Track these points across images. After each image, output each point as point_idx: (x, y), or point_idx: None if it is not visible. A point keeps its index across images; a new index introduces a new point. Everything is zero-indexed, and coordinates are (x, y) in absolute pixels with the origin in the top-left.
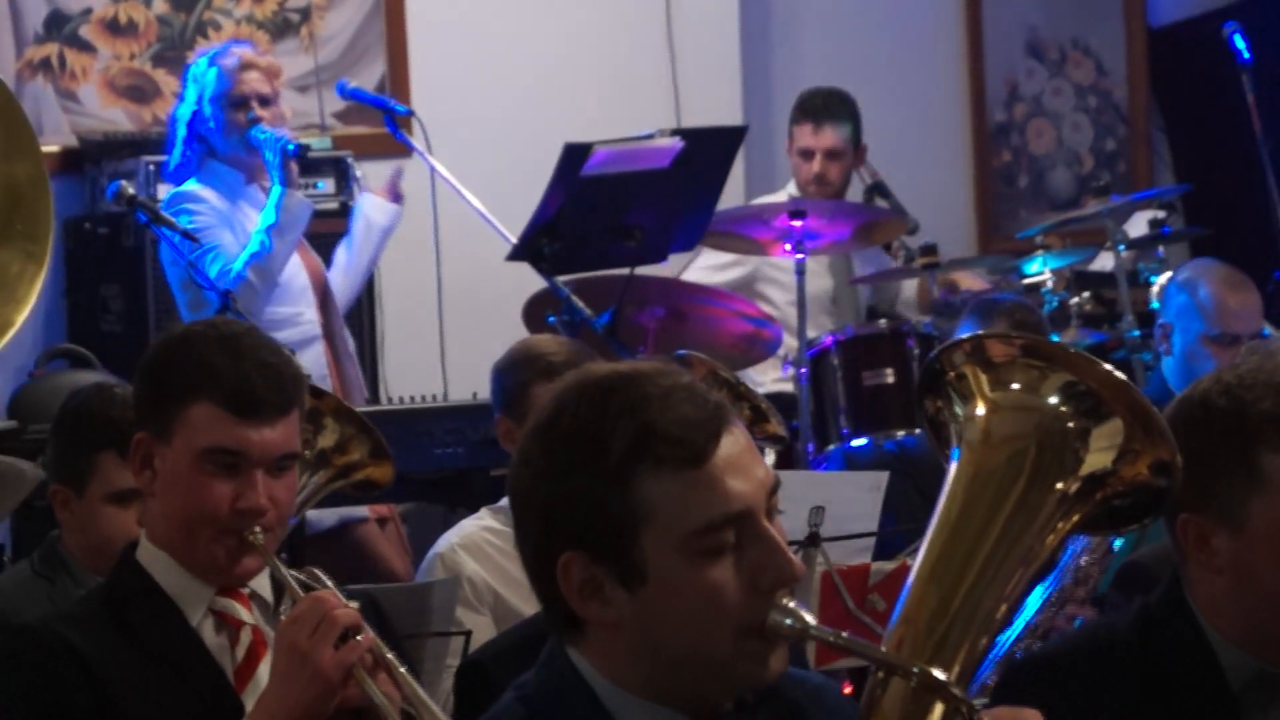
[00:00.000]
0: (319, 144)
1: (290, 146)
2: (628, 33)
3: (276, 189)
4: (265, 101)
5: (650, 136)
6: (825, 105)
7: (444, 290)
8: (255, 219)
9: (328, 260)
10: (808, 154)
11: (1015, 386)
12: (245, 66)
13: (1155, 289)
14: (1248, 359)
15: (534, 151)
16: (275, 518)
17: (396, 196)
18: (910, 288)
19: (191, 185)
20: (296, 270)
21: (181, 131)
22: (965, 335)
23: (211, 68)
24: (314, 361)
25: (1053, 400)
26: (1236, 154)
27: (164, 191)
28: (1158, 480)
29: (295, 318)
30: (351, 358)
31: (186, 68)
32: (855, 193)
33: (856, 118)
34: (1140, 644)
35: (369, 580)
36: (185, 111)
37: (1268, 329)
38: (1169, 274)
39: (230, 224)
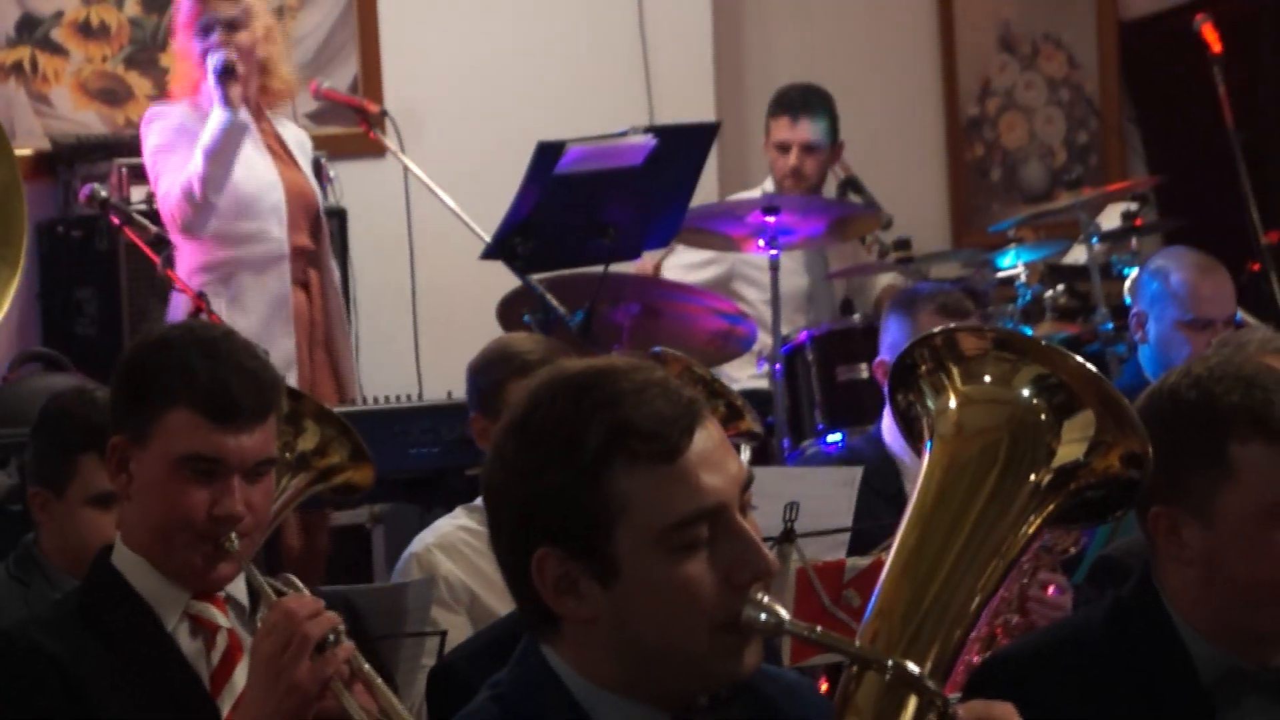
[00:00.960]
0: None
1: (216, 65)
2: (600, 30)
3: (215, 110)
4: (233, 26)
5: (623, 134)
6: (803, 99)
7: (418, 289)
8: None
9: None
10: (784, 147)
11: (987, 379)
12: None
13: (1127, 284)
14: (1218, 350)
15: (507, 150)
16: (252, 523)
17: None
18: (879, 286)
19: (161, 105)
20: (268, 188)
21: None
22: (936, 329)
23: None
24: (277, 281)
25: (1025, 393)
26: (1208, 146)
27: (137, 194)
28: (1129, 472)
29: (259, 234)
30: (336, 291)
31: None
32: (829, 188)
33: (834, 114)
34: (1112, 638)
35: None
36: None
37: (1240, 315)
38: (1137, 268)
39: (194, 141)
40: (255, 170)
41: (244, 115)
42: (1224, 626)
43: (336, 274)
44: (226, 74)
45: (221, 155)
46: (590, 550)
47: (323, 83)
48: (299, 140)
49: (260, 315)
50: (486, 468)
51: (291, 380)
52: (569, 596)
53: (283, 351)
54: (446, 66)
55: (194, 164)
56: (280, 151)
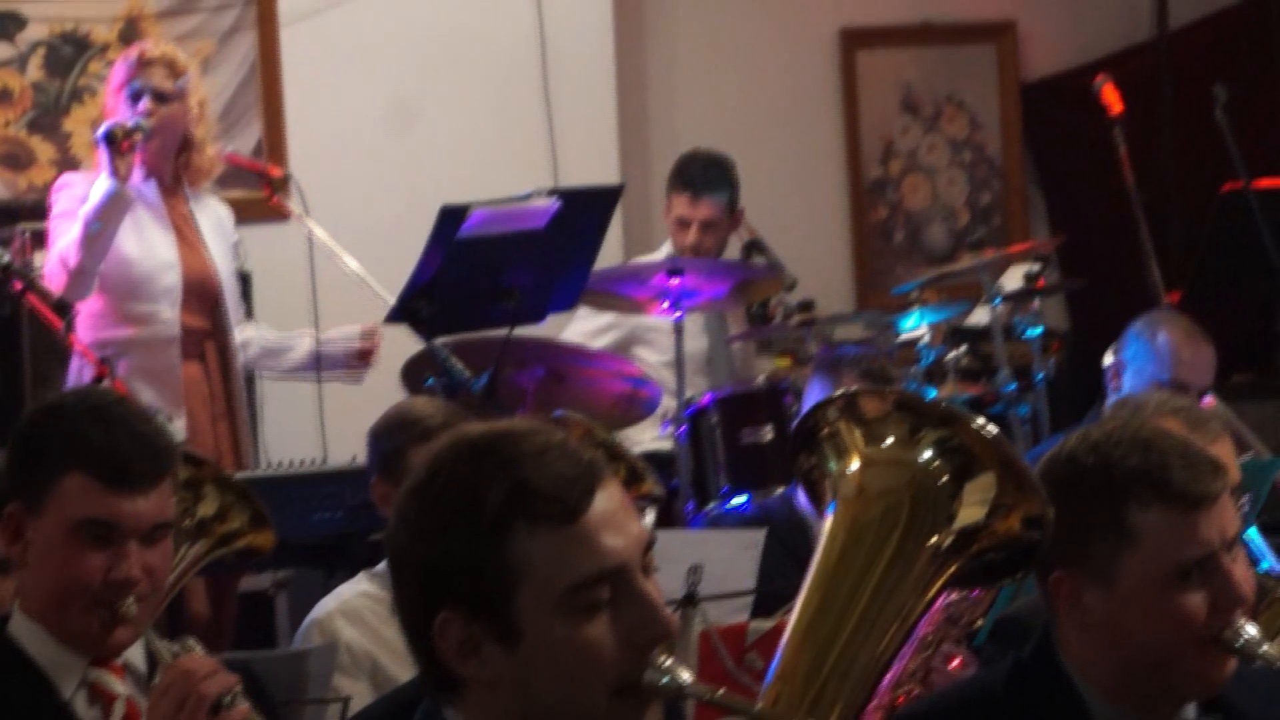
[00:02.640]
0: None
1: (101, 132)
2: (505, 92)
3: (101, 178)
4: (162, 97)
5: (527, 197)
6: (703, 175)
7: None
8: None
9: None
10: (685, 223)
11: (889, 442)
12: (144, 61)
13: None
14: (1116, 413)
15: (411, 213)
16: (149, 588)
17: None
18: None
19: (72, 174)
20: (164, 269)
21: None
22: (838, 392)
23: (120, 60)
24: (166, 360)
25: (926, 455)
26: (1110, 206)
27: (40, 259)
28: (1030, 534)
29: (150, 316)
30: (236, 361)
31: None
32: (732, 250)
33: (734, 184)
34: (1013, 698)
35: None
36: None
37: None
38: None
39: None
40: (154, 250)
41: (145, 187)
42: (1124, 687)
43: (237, 346)
44: (110, 141)
45: (100, 224)
46: (492, 612)
47: (225, 147)
48: (219, 219)
49: (148, 396)
50: (389, 531)
51: None
52: (471, 659)
53: (174, 430)
54: (350, 130)
55: (73, 232)
56: (187, 231)
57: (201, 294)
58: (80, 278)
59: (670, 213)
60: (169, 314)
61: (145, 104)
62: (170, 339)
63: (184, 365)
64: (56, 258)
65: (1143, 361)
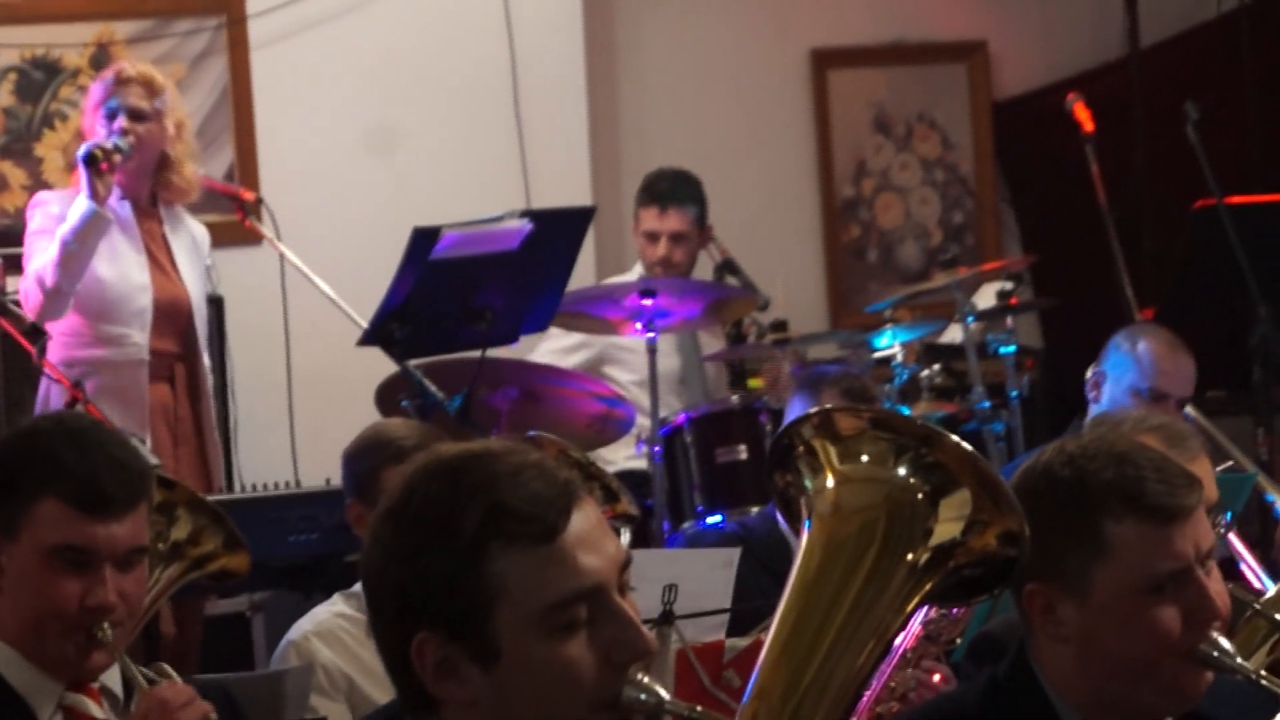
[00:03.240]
0: None
1: (82, 151)
2: (476, 115)
3: (79, 200)
4: (139, 116)
5: (499, 219)
6: (670, 189)
7: (295, 376)
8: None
9: None
10: (653, 237)
11: (864, 459)
12: (121, 81)
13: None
14: (1093, 429)
15: (384, 236)
16: (125, 612)
17: None
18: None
19: (47, 192)
20: (136, 292)
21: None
22: (813, 410)
23: (96, 81)
24: (134, 382)
25: (901, 472)
26: (1082, 224)
27: (14, 284)
28: (1006, 550)
29: (120, 338)
30: (205, 384)
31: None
32: (705, 270)
33: (702, 199)
34: (988, 714)
35: None
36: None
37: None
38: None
39: None
40: (127, 272)
41: (120, 208)
42: (1099, 702)
43: (207, 368)
44: (90, 162)
45: (78, 245)
46: (470, 633)
47: (197, 170)
48: (194, 242)
49: (114, 416)
50: (365, 553)
51: None
52: (449, 680)
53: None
54: (322, 152)
55: (50, 251)
56: (160, 254)
57: (173, 317)
58: (56, 298)
59: (639, 228)
60: (139, 337)
61: (121, 122)
62: (139, 361)
63: (152, 387)
64: (33, 277)
65: (1122, 370)
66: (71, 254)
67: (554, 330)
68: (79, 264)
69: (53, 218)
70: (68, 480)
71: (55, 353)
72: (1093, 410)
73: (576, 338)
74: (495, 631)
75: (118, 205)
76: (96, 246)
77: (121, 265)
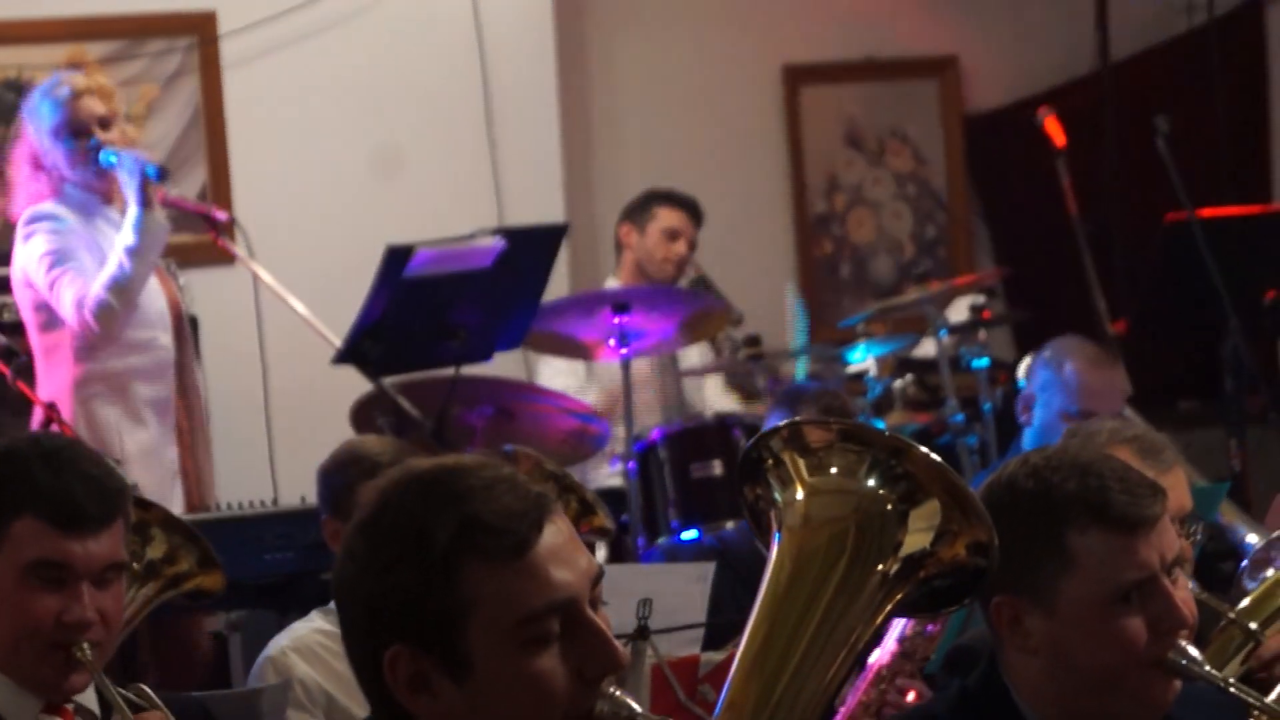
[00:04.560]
0: None
1: (150, 170)
2: (448, 133)
3: (135, 210)
4: (105, 124)
5: (471, 236)
6: (685, 197)
7: (271, 395)
8: (113, 240)
9: None
10: (675, 235)
11: (833, 470)
12: (78, 94)
13: (1021, 367)
14: (1068, 440)
15: (357, 254)
16: (103, 630)
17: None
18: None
19: (49, 206)
20: (155, 294)
21: (24, 170)
22: (782, 423)
23: (44, 101)
24: (165, 390)
25: (871, 483)
26: (1054, 238)
27: None
28: (976, 560)
29: (150, 342)
30: (200, 397)
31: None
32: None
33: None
34: None
35: None
36: (23, 151)
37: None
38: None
39: (89, 245)
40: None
41: (162, 217)
42: (1069, 713)
43: (200, 379)
44: (164, 178)
45: (148, 256)
46: (442, 647)
47: (169, 191)
48: None
49: (154, 427)
50: (337, 567)
51: (179, 491)
52: (422, 694)
53: (168, 462)
54: (295, 172)
55: (114, 267)
56: None
57: (177, 319)
58: (130, 311)
59: (654, 227)
60: (164, 339)
61: (97, 134)
62: (168, 364)
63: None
64: (104, 294)
65: (1050, 394)
66: (144, 264)
67: (561, 364)
68: (148, 275)
69: (73, 234)
70: (43, 498)
71: (81, 367)
72: (1026, 434)
73: (582, 371)
74: (468, 645)
75: (110, 210)
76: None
77: None
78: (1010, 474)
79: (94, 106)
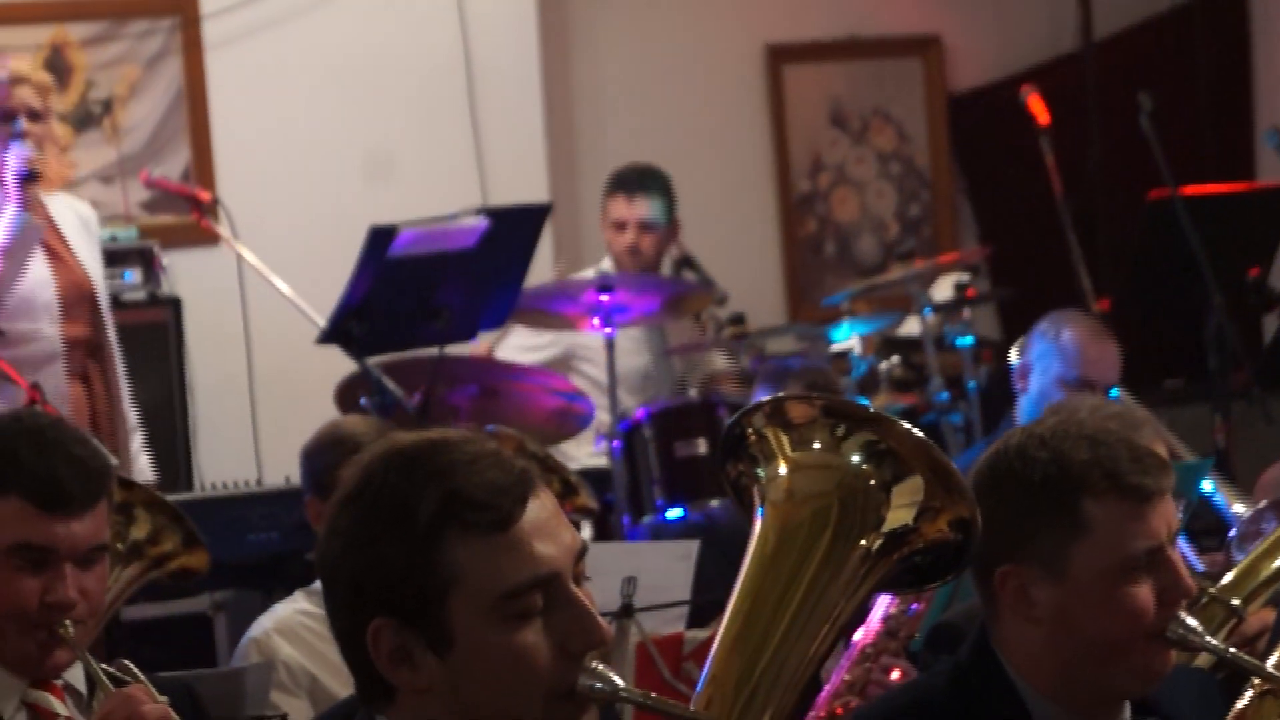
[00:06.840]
0: (124, 234)
1: (19, 169)
2: (431, 113)
3: (13, 210)
4: (35, 116)
5: (455, 216)
6: (639, 178)
7: (255, 375)
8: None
9: None
10: (621, 225)
11: (816, 446)
12: (15, 79)
13: (1013, 351)
14: (1047, 419)
15: (341, 234)
16: (86, 610)
17: None
18: (714, 364)
19: None
20: (41, 286)
21: None
22: (764, 399)
23: None
24: (52, 380)
25: (854, 459)
26: (1038, 215)
27: None
28: (957, 536)
29: (32, 334)
30: (118, 381)
31: None
32: (663, 266)
33: (670, 193)
34: (955, 700)
35: None
36: None
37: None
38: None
39: None
40: (30, 268)
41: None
42: (1067, 686)
43: (118, 361)
44: (33, 179)
45: (17, 256)
46: (425, 620)
47: (153, 171)
48: (81, 220)
49: None
50: (321, 541)
51: None
52: (404, 667)
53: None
54: (278, 152)
55: None
56: (55, 241)
57: (80, 303)
58: None
59: (606, 219)
60: (49, 330)
61: (22, 125)
62: (53, 354)
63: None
64: None
65: (1048, 361)
66: (11, 263)
67: (519, 328)
68: (16, 273)
69: None
70: (27, 479)
71: None
72: (1021, 402)
73: (544, 336)
74: (450, 619)
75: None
76: (32, 255)
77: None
78: (1019, 444)
79: (28, 97)
